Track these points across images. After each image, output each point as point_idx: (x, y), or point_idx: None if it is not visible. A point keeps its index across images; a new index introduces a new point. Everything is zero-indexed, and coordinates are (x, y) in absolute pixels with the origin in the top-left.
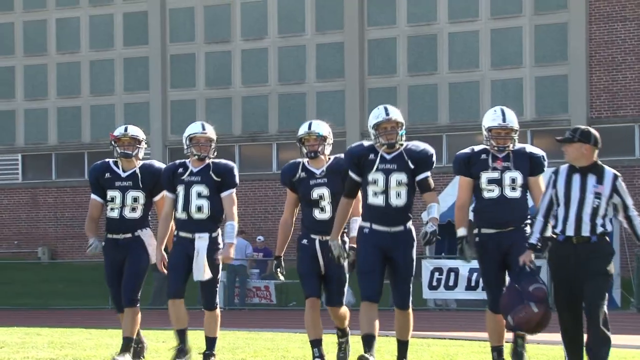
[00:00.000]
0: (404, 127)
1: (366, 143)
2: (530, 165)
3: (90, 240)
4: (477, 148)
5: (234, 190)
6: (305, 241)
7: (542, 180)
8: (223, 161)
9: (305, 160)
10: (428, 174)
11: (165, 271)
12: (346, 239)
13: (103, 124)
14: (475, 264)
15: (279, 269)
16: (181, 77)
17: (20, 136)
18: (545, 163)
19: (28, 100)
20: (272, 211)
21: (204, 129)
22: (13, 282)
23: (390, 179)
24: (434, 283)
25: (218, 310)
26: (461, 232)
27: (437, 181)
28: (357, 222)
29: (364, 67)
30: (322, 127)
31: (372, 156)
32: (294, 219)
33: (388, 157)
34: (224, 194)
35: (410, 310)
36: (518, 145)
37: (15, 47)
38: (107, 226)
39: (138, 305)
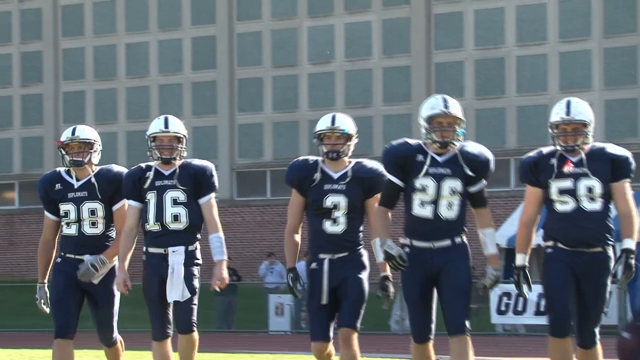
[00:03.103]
0: (463, 125)
1: (411, 141)
2: (611, 169)
3: (38, 291)
4: (546, 150)
5: (214, 194)
6: (314, 265)
7: (629, 187)
8: (198, 161)
9: (321, 160)
10: (484, 183)
11: (127, 293)
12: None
13: None
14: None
15: (297, 284)
16: (249, 100)
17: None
18: (632, 165)
19: (98, 124)
20: None
21: (166, 126)
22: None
23: (443, 186)
24: (503, 308)
25: (196, 334)
26: (520, 260)
27: (503, 206)
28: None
29: (430, 90)
30: (348, 123)
31: (420, 157)
32: (300, 228)
33: (440, 159)
34: (202, 200)
35: (468, 336)
36: (596, 145)
37: (86, 71)
38: (62, 245)
39: (118, 341)
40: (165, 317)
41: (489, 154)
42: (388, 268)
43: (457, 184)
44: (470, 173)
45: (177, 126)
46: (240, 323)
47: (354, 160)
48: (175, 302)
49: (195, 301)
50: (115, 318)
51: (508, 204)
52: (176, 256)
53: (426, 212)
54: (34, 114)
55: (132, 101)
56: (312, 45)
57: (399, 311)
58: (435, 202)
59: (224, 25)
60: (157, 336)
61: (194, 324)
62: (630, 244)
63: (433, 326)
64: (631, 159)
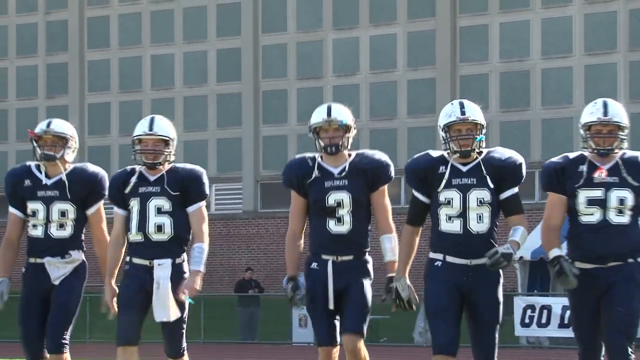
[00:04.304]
0: (484, 131)
1: (434, 152)
2: None
3: None
4: (573, 155)
5: (204, 203)
6: (315, 265)
7: None
8: (188, 166)
9: (319, 155)
10: (516, 190)
11: (114, 309)
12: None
13: (196, 159)
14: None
15: (295, 293)
16: (273, 112)
17: (115, 170)
18: None
19: (122, 136)
20: None
21: (151, 128)
22: None
23: (469, 198)
24: (527, 320)
25: (186, 358)
26: (555, 252)
27: (529, 218)
28: (391, 241)
29: None
30: (344, 114)
31: (442, 168)
32: (303, 232)
33: (464, 169)
34: (191, 209)
35: None
36: (627, 152)
37: (111, 83)
38: (28, 248)
39: (66, 351)
40: (134, 322)
41: (518, 158)
42: (395, 267)
43: (484, 194)
44: (495, 181)
45: (164, 128)
46: (264, 334)
47: (353, 152)
48: (163, 325)
49: (184, 324)
50: (70, 323)
51: (532, 217)
52: (162, 270)
53: (455, 227)
54: None
55: (157, 113)
56: (337, 57)
57: (423, 323)
58: (463, 216)
59: (249, 37)
60: (121, 340)
61: (183, 348)
62: None
63: (458, 338)
64: None
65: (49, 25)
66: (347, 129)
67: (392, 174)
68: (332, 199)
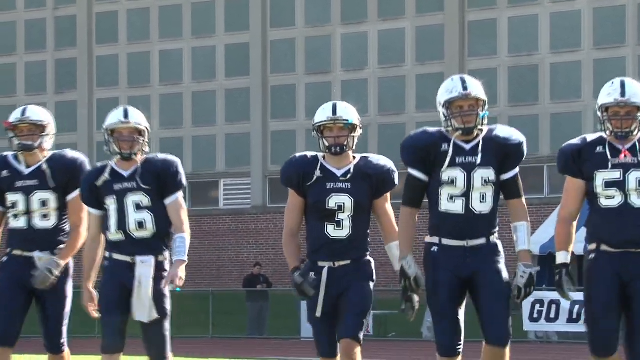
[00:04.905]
0: (486, 107)
1: (430, 129)
2: None
3: None
4: (591, 137)
5: (181, 193)
6: (313, 274)
7: None
8: (162, 156)
9: (322, 155)
10: (517, 171)
11: (95, 314)
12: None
13: (204, 154)
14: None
15: (306, 279)
16: (282, 107)
17: None
18: None
19: None
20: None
21: (126, 116)
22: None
23: (474, 177)
24: (535, 315)
25: (170, 357)
26: (562, 257)
27: (537, 213)
28: (397, 249)
29: None
30: (351, 112)
31: (444, 146)
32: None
33: (467, 146)
34: (168, 200)
35: (508, 349)
36: None
37: (120, 78)
38: (9, 240)
39: (65, 348)
40: (119, 327)
41: (520, 137)
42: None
43: (489, 173)
44: (498, 160)
45: (138, 117)
46: (273, 329)
47: (359, 155)
48: (145, 328)
49: (167, 326)
50: (66, 322)
51: (541, 211)
52: (145, 268)
53: (457, 207)
54: (68, 121)
55: (166, 108)
56: (345, 52)
57: (431, 317)
58: (466, 195)
59: (257, 32)
60: (107, 348)
61: (167, 353)
62: None
63: (462, 337)
64: None
65: (57, 20)
66: (352, 128)
67: (397, 180)
68: (333, 201)
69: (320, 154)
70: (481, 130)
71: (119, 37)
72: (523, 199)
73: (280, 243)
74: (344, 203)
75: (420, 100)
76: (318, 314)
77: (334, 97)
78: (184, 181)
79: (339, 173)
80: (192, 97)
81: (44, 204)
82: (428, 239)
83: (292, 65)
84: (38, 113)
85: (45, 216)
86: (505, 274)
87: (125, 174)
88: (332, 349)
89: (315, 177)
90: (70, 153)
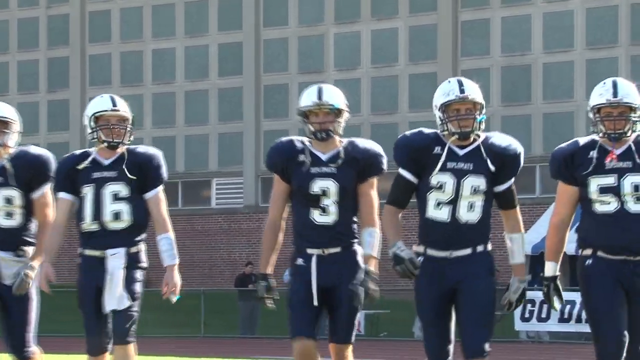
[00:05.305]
0: (484, 110)
1: (427, 130)
2: None
3: None
4: (583, 141)
5: (162, 187)
6: (300, 261)
7: None
8: (143, 148)
9: (306, 140)
10: (512, 181)
11: (47, 289)
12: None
13: (197, 153)
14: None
15: (266, 294)
16: (274, 107)
17: None
18: None
19: None
20: None
21: (114, 104)
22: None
23: (464, 184)
24: (527, 315)
25: (132, 346)
26: (550, 269)
27: (528, 213)
28: (373, 236)
29: None
30: (336, 97)
31: (437, 149)
32: (284, 221)
33: (460, 152)
34: (149, 194)
35: None
36: None
37: (112, 77)
38: None
39: (31, 345)
40: (102, 329)
41: (518, 147)
42: (373, 263)
43: (480, 182)
44: (494, 169)
45: (125, 105)
46: (264, 329)
47: (345, 139)
48: (114, 310)
49: (137, 308)
50: (32, 326)
51: (533, 211)
52: (115, 260)
53: (442, 214)
54: (61, 120)
55: (158, 107)
56: (338, 51)
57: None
58: (453, 203)
59: (250, 32)
60: (91, 351)
61: (132, 334)
62: None
63: (451, 347)
64: None
65: (50, 19)
66: (338, 113)
67: (384, 166)
68: (317, 186)
69: (307, 139)
70: (478, 136)
71: (111, 36)
72: (518, 208)
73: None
74: (328, 188)
75: (413, 100)
76: (315, 303)
77: None
78: (165, 175)
79: (324, 157)
80: (185, 96)
81: (8, 201)
82: (415, 247)
83: (285, 64)
84: (3, 109)
85: (9, 214)
86: (491, 285)
87: (106, 162)
88: (311, 330)
89: (299, 162)
90: (34, 149)
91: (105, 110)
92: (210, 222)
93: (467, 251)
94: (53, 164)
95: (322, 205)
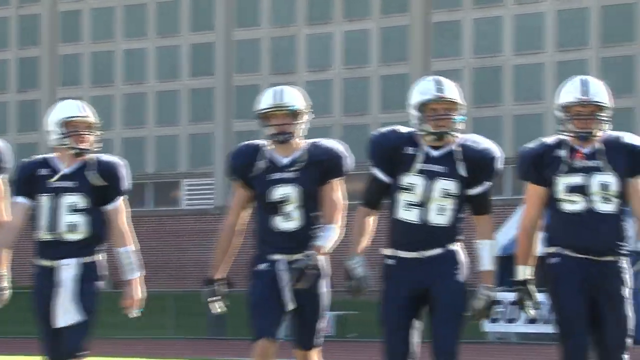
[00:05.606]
0: (462, 111)
1: (402, 129)
2: (629, 163)
3: None
4: (550, 140)
5: (122, 198)
6: (263, 266)
7: None
8: (107, 157)
9: (266, 144)
10: (487, 186)
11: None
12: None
13: (167, 154)
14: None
15: (214, 298)
16: (246, 107)
17: None
18: None
19: None
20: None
21: (82, 109)
22: None
23: (434, 187)
24: (495, 316)
25: None
26: (522, 272)
27: (499, 214)
28: (332, 231)
29: None
30: (296, 98)
31: (410, 150)
32: (242, 226)
33: (435, 153)
34: (110, 206)
35: None
36: (609, 134)
37: (83, 77)
38: None
39: None
40: (56, 340)
41: (495, 151)
42: (319, 251)
43: (451, 185)
44: (466, 173)
45: (91, 112)
46: (233, 330)
47: (308, 141)
48: (64, 328)
49: (91, 321)
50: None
51: (503, 212)
52: (67, 271)
53: (412, 216)
54: (31, 120)
55: (129, 107)
56: (310, 52)
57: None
58: (423, 205)
59: (222, 32)
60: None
61: (82, 349)
62: None
63: (412, 348)
64: None
65: (21, 19)
66: (298, 114)
67: (348, 167)
68: (277, 192)
69: (265, 143)
70: (455, 137)
71: (83, 36)
72: (490, 216)
73: (242, 243)
74: (289, 194)
75: (384, 101)
76: (291, 307)
77: None
78: (128, 187)
79: (284, 162)
80: (156, 97)
81: None
82: (385, 250)
83: (256, 65)
84: None
85: None
86: (462, 286)
87: (66, 171)
88: (273, 331)
89: (259, 168)
90: None
91: (75, 116)
92: (181, 223)
93: (438, 250)
94: (8, 155)
95: (284, 212)
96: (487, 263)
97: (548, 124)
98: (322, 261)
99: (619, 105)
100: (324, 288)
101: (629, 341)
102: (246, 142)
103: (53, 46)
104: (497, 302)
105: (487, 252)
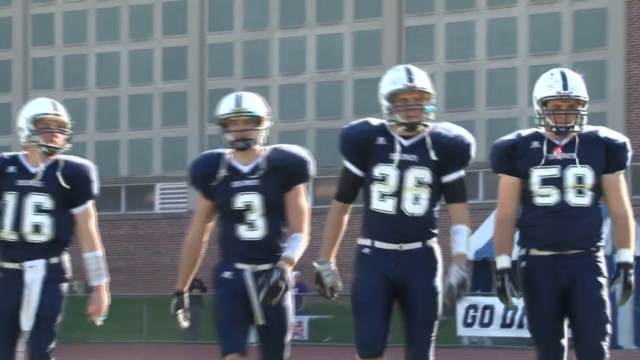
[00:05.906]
0: (433, 100)
1: (373, 121)
2: (605, 157)
3: None
4: (525, 132)
5: (91, 202)
6: (228, 274)
7: (624, 181)
8: (76, 159)
9: (227, 152)
10: (461, 173)
11: None
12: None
13: (141, 158)
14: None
15: (180, 311)
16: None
17: None
18: (629, 154)
19: None
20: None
21: (56, 108)
22: None
23: (407, 176)
24: (469, 320)
25: None
26: (502, 262)
27: (472, 218)
28: (300, 240)
29: None
30: (256, 103)
31: (381, 140)
32: (207, 238)
33: (406, 143)
34: (78, 209)
35: None
36: (588, 128)
37: (55, 81)
38: None
39: None
40: (12, 346)
41: (467, 138)
42: (287, 262)
43: (424, 174)
44: (438, 159)
45: (64, 111)
46: (206, 334)
47: (268, 147)
48: (35, 327)
49: (57, 324)
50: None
51: (476, 217)
52: (34, 272)
53: (387, 206)
54: (2, 124)
55: (102, 111)
56: (283, 56)
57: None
58: (398, 195)
59: (195, 36)
60: None
61: (49, 352)
62: (628, 255)
63: (386, 337)
64: (629, 146)
65: None
66: (259, 121)
67: (311, 172)
68: (240, 201)
69: (226, 151)
70: (426, 126)
71: (55, 39)
72: (466, 204)
73: (215, 247)
74: (252, 202)
75: (358, 105)
76: (261, 322)
77: (272, 103)
78: (96, 190)
79: (246, 169)
80: (129, 100)
81: None
82: (360, 240)
83: (230, 69)
84: None
85: None
86: (436, 285)
87: (34, 170)
88: (242, 346)
89: (220, 176)
90: None
91: (47, 114)
92: (154, 227)
93: (417, 245)
94: None
95: (248, 221)
96: (461, 246)
97: (521, 128)
98: (289, 273)
99: (591, 110)
100: (289, 301)
101: (608, 327)
102: (206, 152)
103: (25, 49)
104: (469, 287)
105: (462, 236)
